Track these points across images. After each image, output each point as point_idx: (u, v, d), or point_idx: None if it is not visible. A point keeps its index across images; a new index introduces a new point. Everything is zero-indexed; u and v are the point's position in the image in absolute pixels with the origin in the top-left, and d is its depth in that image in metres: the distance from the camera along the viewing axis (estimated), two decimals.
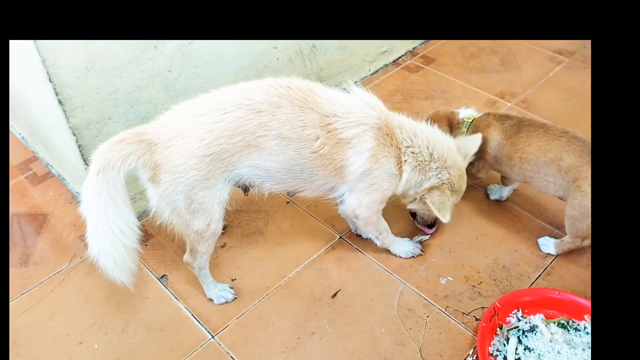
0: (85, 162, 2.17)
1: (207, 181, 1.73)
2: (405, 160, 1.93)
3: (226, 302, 2.07)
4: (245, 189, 1.93)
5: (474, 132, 2.23)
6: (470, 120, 2.29)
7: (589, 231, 2.02)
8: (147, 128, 1.74)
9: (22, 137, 2.98)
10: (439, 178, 1.97)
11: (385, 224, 2.13)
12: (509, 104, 3.05)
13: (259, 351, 1.93)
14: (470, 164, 2.24)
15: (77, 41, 1.88)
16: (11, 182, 2.73)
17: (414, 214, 2.29)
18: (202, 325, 2.02)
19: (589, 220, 1.99)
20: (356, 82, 3.29)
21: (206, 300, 2.10)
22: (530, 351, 1.83)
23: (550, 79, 3.24)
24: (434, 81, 3.28)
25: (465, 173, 2.06)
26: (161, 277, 2.21)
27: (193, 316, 2.06)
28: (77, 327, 2.04)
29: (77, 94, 1.98)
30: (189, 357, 1.92)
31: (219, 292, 2.07)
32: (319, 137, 1.77)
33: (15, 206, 2.60)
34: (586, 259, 2.17)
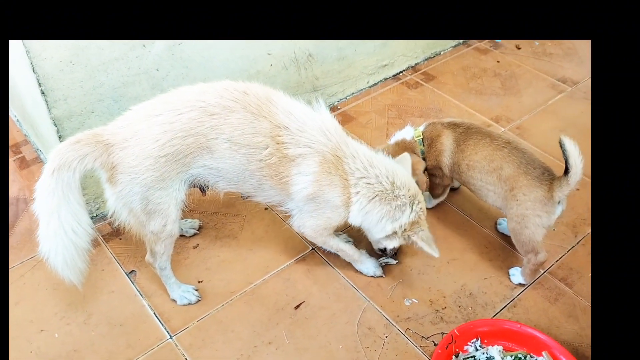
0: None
1: (162, 182, 1.78)
2: (357, 192, 1.92)
3: (189, 304, 2.11)
4: (202, 189, 1.98)
5: (430, 145, 2.31)
6: (421, 136, 2.34)
7: (533, 243, 2.08)
8: (105, 129, 1.78)
9: (17, 120, 3.06)
10: (416, 212, 1.98)
11: (338, 244, 2.15)
12: (503, 129, 3.06)
13: (214, 355, 1.97)
14: (431, 175, 2.36)
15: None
16: None
17: (382, 249, 2.25)
18: (162, 324, 2.07)
19: (527, 231, 2.06)
20: (353, 93, 3.33)
21: (170, 300, 2.14)
22: None
23: (549, 107, 3.24)
24: (431, 99, 3.30)
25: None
26: (130, 273, 2.26)
27: (155, 314, 2.10)
28: (41, 315, 2.10)
29: (61, 86, 2.04)
30: (144, 356, 1.97)
31: (183, 293, 2.11)
32: (267, 147, 1.80)
33: (20, 190, 2.67)
34: (555, 294, 2.18)
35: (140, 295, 2.18)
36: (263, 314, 2.10)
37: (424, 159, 2.34)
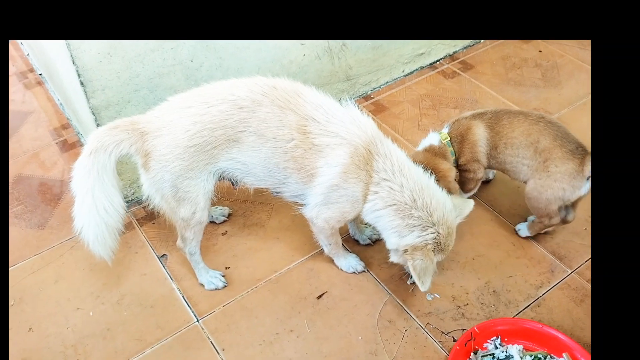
0: None
1: (191, 171, 1.87)
2: (376, 192, 1.90)
3: (216, 289, 2.22)
4: (233, 183, 2.06)
5: (462, 142, 2.33)
6: (448, 138, 2.34)
7: (549, 210, 2.20)
8: (142, 117, 1.90)
9: (60, 104, 3.22)
10: (424, 237, 1.90)
11: (337, 238, 2.19)
12: None
13: (237, 340, 2.07)
14: (465, 171, 2.37)
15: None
16: (42, 146, 2.99)
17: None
18: (190, 307, 2.19)
19: (544, 199, 2.18)
20: (387, 82, 3.34)
21: (198, 284, 2.26)
22: None
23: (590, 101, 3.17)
24: (467, 90, 3.28)
25: (455, 231, 2.00)
26: (161, 256, 2.39)
27: (183, 298, 2.22)
28: (78, 293, 2.25)
29: (99, 77, 2.15)
30: (172, 337, 2.09)
31: (210, 278, 2.22)
32: (293, 139, 1.84)
33: (43, 170, 2.84)
34: (581, 295, 2.18)
35: (170, 278, 2.30)
36: (286, 302, 2.19)
37: (456, 160, 2.36)
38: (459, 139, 2.33)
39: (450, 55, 3.56)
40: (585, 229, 2.42)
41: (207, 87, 1.91)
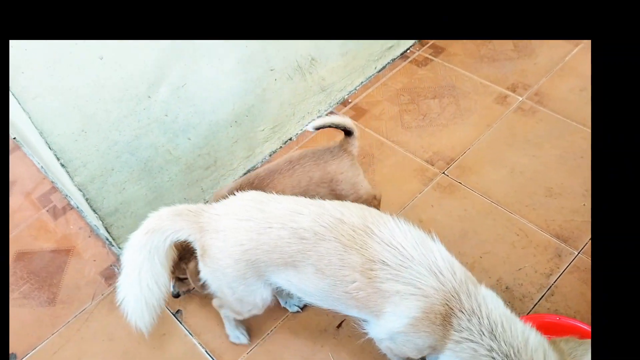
0: (95, 211, 2.36)
1: (245, 280, 1.83)
2: (454, 350, 1.61)
3: (240, 344, 2.24)
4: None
5: None
6: None
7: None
8: (204, 211, 1.85)
9: (42, 167, 3.21)
10: None
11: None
12: (521, 98, 3.05)
13: None
14: None
15: (71, 107, 2.03)
16: (34, 217, 2.98)
17: None
18: None
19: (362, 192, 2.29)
20: (362, 82, 3.34)
21: (219, 336, 2.30)
22: None
23: (567, 65, 3.20)
24: (443, 76, 3.29)
25: None
26: (176, 312, 2.42)
27: (207, 352, 2.27)
28: None
29: (78, 155, 2.15)
30: None
31: (238, 333, 2.24)
32: (355, 281, 1.68)
33: (40, 242, 2.85)
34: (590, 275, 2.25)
35: (190, 334, 2.34)
36: (307, 337, 2.24)
37: None
38: None
39: (418, 41, 3.55)
40: (584, 205, 2.47)
41: (271, 202, 1.81)
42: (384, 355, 2.13)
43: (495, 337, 1.57)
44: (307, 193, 2.20)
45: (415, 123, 3.04)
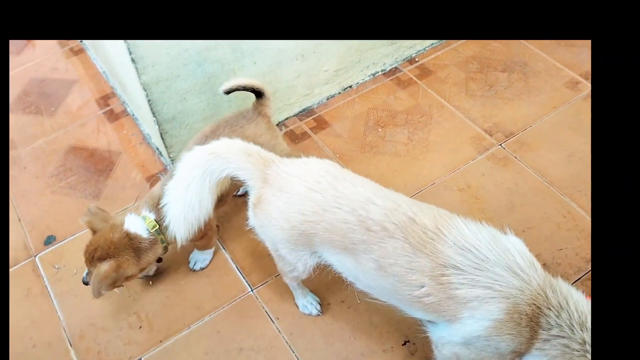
0: (154, 114, 2.45)
1: (294, 245, 1.79)
2: (543, 349, 1.54)
3: (309, 314, 2.20)
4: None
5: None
6: (157, 226, 2.08)
7: None
8: (274, 164, 1.78)
9: (104, 72, 3.32)
10: None
11: None
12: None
13: (291, 310, 2.21)
14: (202, 237, 2.23)
15: None
16: (90, 116, 3.11)
17: None
18: (243, 277, 2.32)
19: None
20: (432, 44, 3.31)
21: (249, 256, 2.38)
22: None
23: None
24: (516, 52, 3.23)
25: None
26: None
27: (237, 268, 2.36)
28: None
29: (149, 53, 2.22)
30: (229, 305, 2.24)
31: (306, 302, 2.20)
32: (424, 286, 1.59)
33: (92, 141, 2.97)
34: None
35: (224, 249, 2.43)
36: (334, 276, 2.29)
37: (166, 247, 2.15)
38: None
39: None
40: None
41: (346, 179, 1.72)
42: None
43: (587, 329, 1.50)
44: None
45: (480, 92, 3.01)
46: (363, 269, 1.68)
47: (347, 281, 1.86)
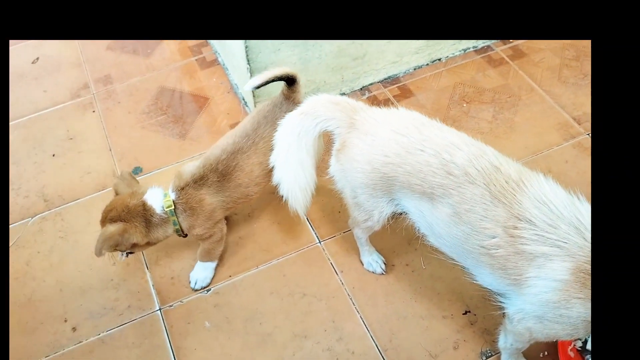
0: (249, 62, 2.55)
1: (372, 190, 1.83)
2: None
3: (373, 272, 2.26)
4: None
5: (194, 215, 2.09)
6: (172, 206, 2.06)
7: None
8: (362, 110, 1.85)
9: None
10: None
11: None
12: None
13: (355, 265, 2.29)
14: (207, 238, 2.21)
15: None
16: (183, 62, 3.27)
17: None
18: (313, 230, 2.42)
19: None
20: None
21: (320, 210, 2.47)
22: None
23: None
24: None
25: None
26: None
27: (307, 220, 2.45)
28: None
29: None
30: (296, 253, 2.35)
31: (371, 260, 2.26)
32: (495, 237, 1.58)
33: (184, 85, 3.13)
34: None
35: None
36: (404, 238, 2.34)
37: (181, 231, 2.12)
38: (190, 212, 2.09)
39: None
40: None
41: (433, 125, 1.76)
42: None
43: None
44: None
45: (573, 80, 2.94)
46: (438, 215, 1.69)
47: (418, 238, 1.89)
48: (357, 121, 1.83)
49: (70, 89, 3.20)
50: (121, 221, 2.00)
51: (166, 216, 2.06)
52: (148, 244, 2.10)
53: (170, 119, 2.97)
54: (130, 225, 2.00)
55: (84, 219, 2.55)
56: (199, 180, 2.09)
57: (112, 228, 1.97)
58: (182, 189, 2.08)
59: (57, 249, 2.45)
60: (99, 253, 1.97)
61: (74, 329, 2.20)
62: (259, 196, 2.28)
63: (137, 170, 2.74)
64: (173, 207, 2.06)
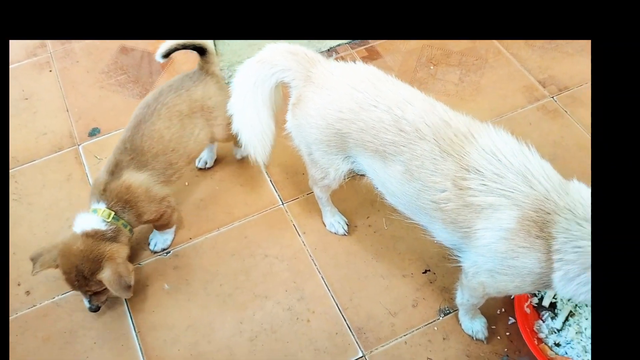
0: None
1: (327, 147, 1.82)
2: (560, 259, 1.46)
3: (335, 233, 2.27)
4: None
5: (132, 204, 1.99)
6: (112, 213, 1.96)
7: None
8: (319, 63, 1.82)
9: None
10: None
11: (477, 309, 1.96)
12: None
13: (317, 227, 2.29)
14: (161, 216, 2.15)
15: None
16: None
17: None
18: (276, 191, 2.41)
19: None
20: None
21: (284, 171, 2.46)
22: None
23: None
24: None
25: None
26: None
27: (270, 182, 2.44)
28: None
29: None
30: (259, 215, 2.34)
31: (334, 221, 2.26)
32: (445, 190, 1.60)
33: (145, 45, 3.05)
34: None
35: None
36: (365, 200, 2.35)
37: (132, 226, 2.05)
38: (127, 205, 1.99)
39: None
40: None
41: (388, 81, 1.76)
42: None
43: (588, 220, 1.43)
44: (185, 129, 2.09)
45: (540, 43, 2.95)
46: (390, 173, 1.70)
47: (377, 198, 1.91)
48: (313, 74, 1.80)
49: (25, 47, 3.10)
50: (99, 262, 1.89)
51: (114, 225, 1.96)
52: (129, 249, 2.04)
53: (131, 78, 2.90)
54: (108, 253, 1.91)
55: (39, 182, 2.50)
56: (115, 169, 1.99)
57: (107, 271, 1.88)
58: (104, 190, 1.97)
59: (11, 211, 2.39)
60: (128, 292, 1.92)
61: (27, 292, 2.17)
62: (192, 165, 2.30)
63: (95, 132, 2.68)
64: (113, 212, 1.96)
